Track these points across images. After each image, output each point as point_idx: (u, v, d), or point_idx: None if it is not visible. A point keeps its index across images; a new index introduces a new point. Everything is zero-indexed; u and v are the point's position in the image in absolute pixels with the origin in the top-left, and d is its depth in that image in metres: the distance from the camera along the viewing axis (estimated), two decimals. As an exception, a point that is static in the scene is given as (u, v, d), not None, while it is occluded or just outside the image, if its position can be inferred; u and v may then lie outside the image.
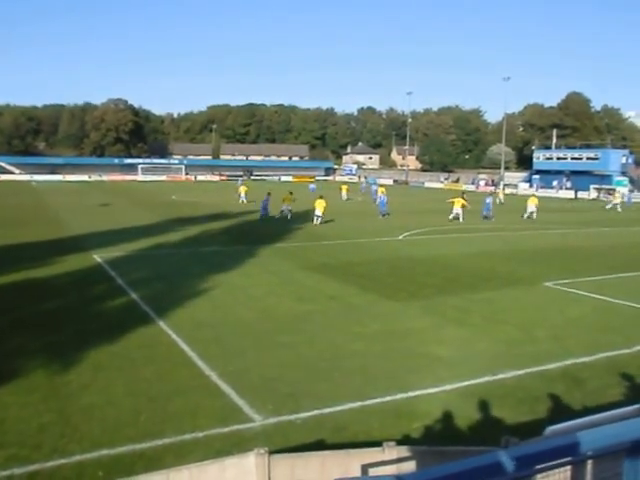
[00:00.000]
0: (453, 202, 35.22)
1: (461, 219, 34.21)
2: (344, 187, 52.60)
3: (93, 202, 44.00)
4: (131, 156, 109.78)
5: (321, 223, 31.30)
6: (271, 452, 4.69)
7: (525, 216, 37.45)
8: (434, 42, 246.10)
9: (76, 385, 8.60)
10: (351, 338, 11.21)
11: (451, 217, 34.35)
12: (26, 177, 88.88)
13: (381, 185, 52.97)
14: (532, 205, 37.80)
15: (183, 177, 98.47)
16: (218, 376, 9.00)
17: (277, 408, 7.87)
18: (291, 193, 36.31)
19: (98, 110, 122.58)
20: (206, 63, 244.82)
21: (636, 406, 4.65)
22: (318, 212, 31.49)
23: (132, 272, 17.29)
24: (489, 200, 37.43)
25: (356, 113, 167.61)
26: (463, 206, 34.85)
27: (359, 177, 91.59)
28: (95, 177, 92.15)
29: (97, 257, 19.64)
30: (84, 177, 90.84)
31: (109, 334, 10.97)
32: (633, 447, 2.58)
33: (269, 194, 35.44)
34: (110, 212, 37.06)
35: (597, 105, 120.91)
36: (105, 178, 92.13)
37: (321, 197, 32.31)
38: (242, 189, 46.16)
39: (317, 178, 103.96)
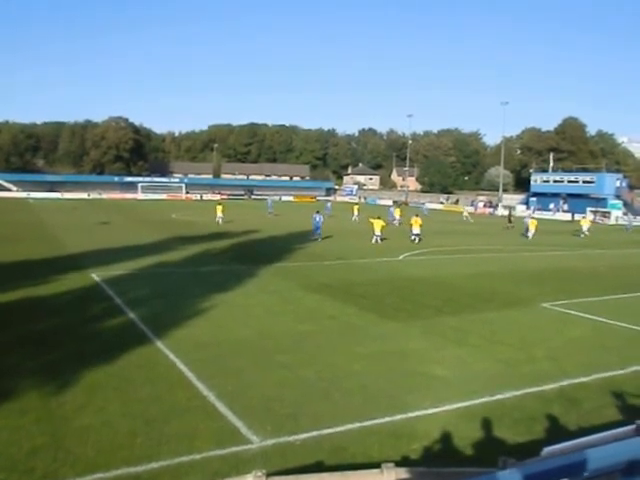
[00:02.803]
0: (532, 225, 40.85)
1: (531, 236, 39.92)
2: (355, 207, 52.76)
3: (92, 220, 43.93)
4: (131, 174, 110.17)
5: (382, 240, 32.72)
6: (269, 474, 4.65)
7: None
8: (434, 65, 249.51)
9: (71, 406, 8.48)
10: (351, 358, 11.18)
11: (529, 236, 40.04)
12: (23, 194, 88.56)
13: (398, 206, 55.45)
14: (585, 225, 44.17)
15: (183, 196, 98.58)
16: (216, 397, 8.93)
17: (276, 429, 7.81)
18: (417, 215, 36.58)
19: (99, 128, 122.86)
20: (208, 82, 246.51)
21: (631, 427, 4.66)
22: (378, 232, 32.75)
23: (130, 291, 17.25)
24: (527, 220, 43.02)
25: (357, 134, 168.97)
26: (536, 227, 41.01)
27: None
28: (94, 195, 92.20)
29: (95, 276, 19.57)
30: (83, 195, 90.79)
31: (106, 354, 10.90)
32: (628, 467, 2.60)
33: (318, 212, 34.74)
34: (109, 230, 37.02)
35: (592, 130, 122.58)
36: (105, 196, 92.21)
37: (379, 217, 33.92)
38: (219, 209, 43.43)
39: (318, 198, 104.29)
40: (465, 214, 62.09)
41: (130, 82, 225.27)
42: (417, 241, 33.35)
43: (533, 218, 44.29)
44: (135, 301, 15.82)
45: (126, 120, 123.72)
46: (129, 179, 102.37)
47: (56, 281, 18.37)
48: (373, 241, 32.57)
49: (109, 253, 25.43)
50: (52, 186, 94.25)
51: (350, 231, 41.00)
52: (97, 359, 10.58)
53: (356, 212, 50.68)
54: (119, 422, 7.96)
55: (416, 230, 33.79)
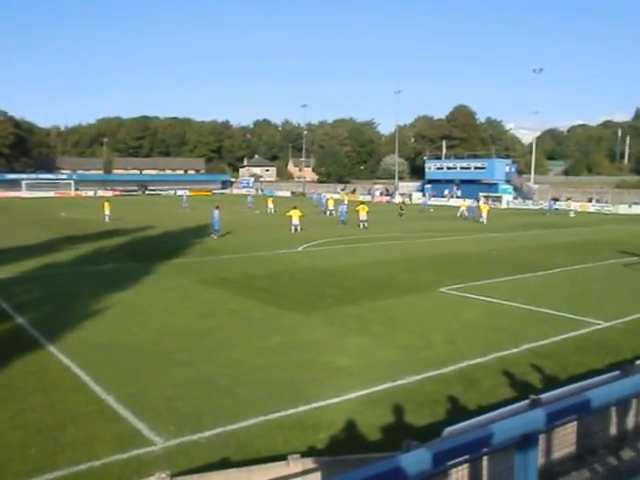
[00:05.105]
0: (460, 206, 49.44)
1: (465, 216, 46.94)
2: (270, 199, 55.61)
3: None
4: (14, 171, 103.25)
5: (300, 230, 34.33)
6: (173, 475, 4.55)
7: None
8: (327, 55, 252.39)
9: (-46, 421, 7.86)
10: (253, 352, 11.13)
11: (458, 214, 48.08)
12: None
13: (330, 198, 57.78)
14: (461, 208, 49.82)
15: (73, 193, 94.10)
16: (115, 400, 8.62)
17: (179, 429, 7.64)
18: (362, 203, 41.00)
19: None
20: (95, 74, 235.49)
21: (525, 402, 4.95)
22: (296, 222, 34.78)
23: (18, 295, 16.24)
24: (474, 205, 50.78)
25: (252, 126, 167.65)
26: (468, 207, 49.11)
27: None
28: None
29: (-23, 280, 18.21)
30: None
31: (-8, 363, 10.19)
32: (522, 440, 2.74)
33: (217, 207, 32.95)
34: (-9, 232, 34.60)
35: (482, 117, 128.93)
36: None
37: (295, 207, 35.93)
38: (106, 206, 42.55)
39: (214, 192, 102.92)
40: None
41: (7, 72, 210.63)
42: (366, 226, 36.39)
43: (485, 204, 51.52)
44: (23, 305, 14.92)
45: (5, 113, 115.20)
46: (11, 176, 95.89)
47: None
48: (292, 230, 34.25)
49: (-9, 255, 23.75)
50: None
51: (259, 224, 41.12)
52: (-19, 369, 9.86)
53: (271, 204, 53.66)
54: (8, 434, 7.49)
55: (363, 216, 36.83)
